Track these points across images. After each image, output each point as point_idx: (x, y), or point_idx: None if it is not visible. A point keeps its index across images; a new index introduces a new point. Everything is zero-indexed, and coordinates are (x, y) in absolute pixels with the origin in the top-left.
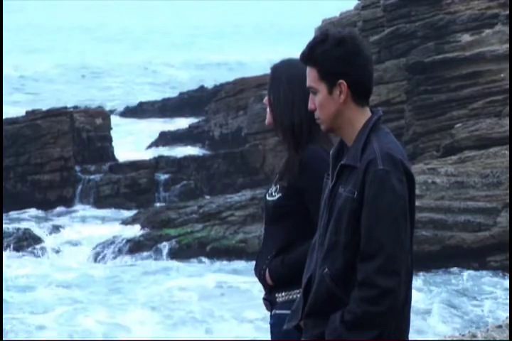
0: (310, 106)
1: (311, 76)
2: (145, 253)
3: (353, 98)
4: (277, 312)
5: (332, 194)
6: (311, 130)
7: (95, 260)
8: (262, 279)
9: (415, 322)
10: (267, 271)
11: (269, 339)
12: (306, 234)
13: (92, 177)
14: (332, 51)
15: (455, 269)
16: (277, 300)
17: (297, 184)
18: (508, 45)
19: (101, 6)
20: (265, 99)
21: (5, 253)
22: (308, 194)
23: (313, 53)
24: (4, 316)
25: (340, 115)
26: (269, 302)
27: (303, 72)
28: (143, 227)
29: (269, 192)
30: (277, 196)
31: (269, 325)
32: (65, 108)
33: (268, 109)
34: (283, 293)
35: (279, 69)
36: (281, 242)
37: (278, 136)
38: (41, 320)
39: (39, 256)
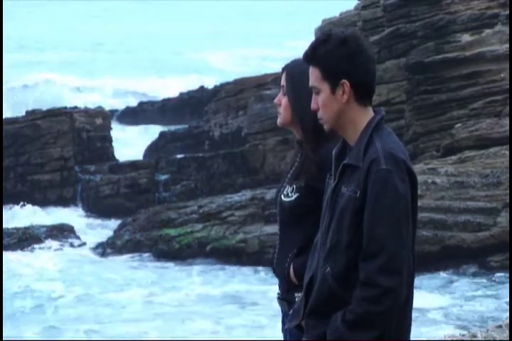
0: (313, 106)
1: (313, 76)
2: (145, 253)
3: (355, 98)
4: None
5: (334, 193)
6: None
7: (95, 260)
8: (285, 278)
9: (415, 321)
10: (291, 270)
11: (279, 338)
12: None
13: (92, 177)
14: (335, 51)
15: (455, 269)
16: (296, 299)
17: (315, 184)
18: (508, 45)
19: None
20: (276, 99)
21: (5, 253)
22: None
23: (316, 53)
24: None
25: (342, 115)
26: (287, 301)
27: None
28: (143, 227)
29: (285, 192)
30: (294, 196)
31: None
32: (65, 108)
33: (279, 110)
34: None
35: (294, 68)
36: (301, 242)
37: (297, 135)
38: None
39: (39, 256)
